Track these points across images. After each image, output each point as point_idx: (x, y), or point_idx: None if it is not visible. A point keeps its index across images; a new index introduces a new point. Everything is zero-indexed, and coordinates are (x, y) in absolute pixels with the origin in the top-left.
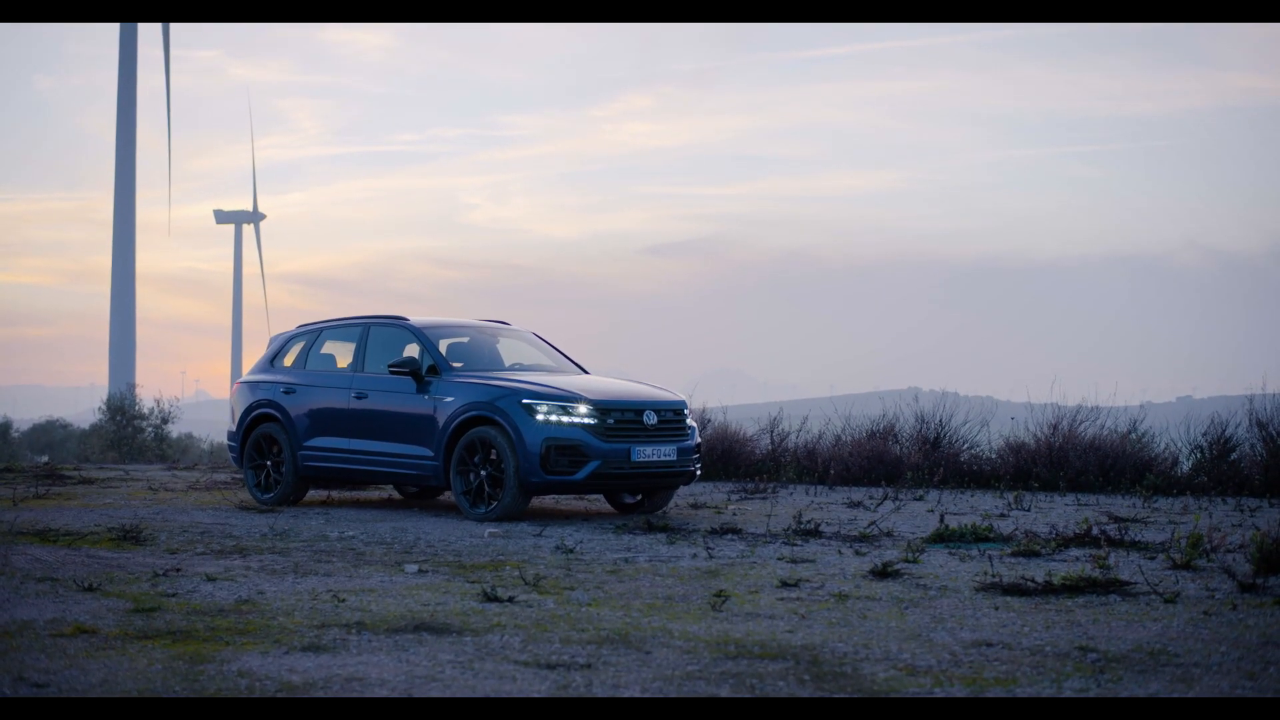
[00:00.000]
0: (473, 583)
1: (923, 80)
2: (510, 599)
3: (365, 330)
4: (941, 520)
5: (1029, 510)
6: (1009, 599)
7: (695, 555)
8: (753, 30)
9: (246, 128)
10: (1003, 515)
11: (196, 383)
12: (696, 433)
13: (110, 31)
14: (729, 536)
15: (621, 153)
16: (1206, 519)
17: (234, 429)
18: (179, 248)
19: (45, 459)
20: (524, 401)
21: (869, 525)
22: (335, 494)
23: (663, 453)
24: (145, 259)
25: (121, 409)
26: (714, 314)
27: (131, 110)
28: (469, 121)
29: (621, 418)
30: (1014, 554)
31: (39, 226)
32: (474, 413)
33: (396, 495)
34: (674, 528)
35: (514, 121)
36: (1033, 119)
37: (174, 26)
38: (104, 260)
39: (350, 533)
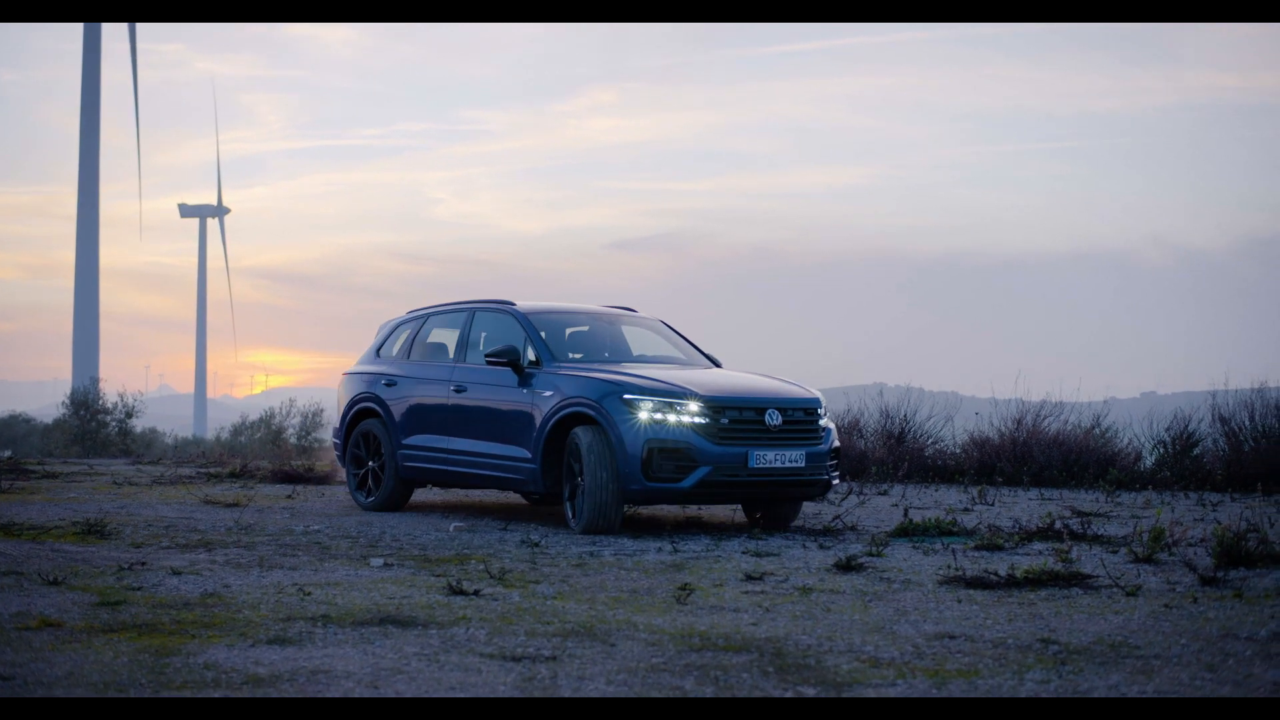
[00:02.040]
0: (438, 576)
1: (889, 76)
2: (476, 592)
3: (470, 317)
4: (906, 514)
5: (992, 505)
6: (972, 592)
7: (660, 549)
8: (718, 26)
9: (211, 122)
10: (966, 510)
11: (160, 377)
12: (834, 435)
13: (74, 27)
14: (693, 531)
15: (587, 148)
16: (1169, 513)
17: (337, 424)
18: (143, 242)
19: (8, 453)
20: (625, 397)
21: (833, 519)
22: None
23: (788, 458)
24: (109, 253)
25: (85, 403)
26: (680, 310)
27: (95, 105)
28: (434, 116)
29: (739, 417)
30: (977, 548)
31: (0, 220)
32: (572, 409)
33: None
34: (639, 523)
35: (479, 116)
36: (998, 115)
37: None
38: (67, 254)
39: (315, 527)
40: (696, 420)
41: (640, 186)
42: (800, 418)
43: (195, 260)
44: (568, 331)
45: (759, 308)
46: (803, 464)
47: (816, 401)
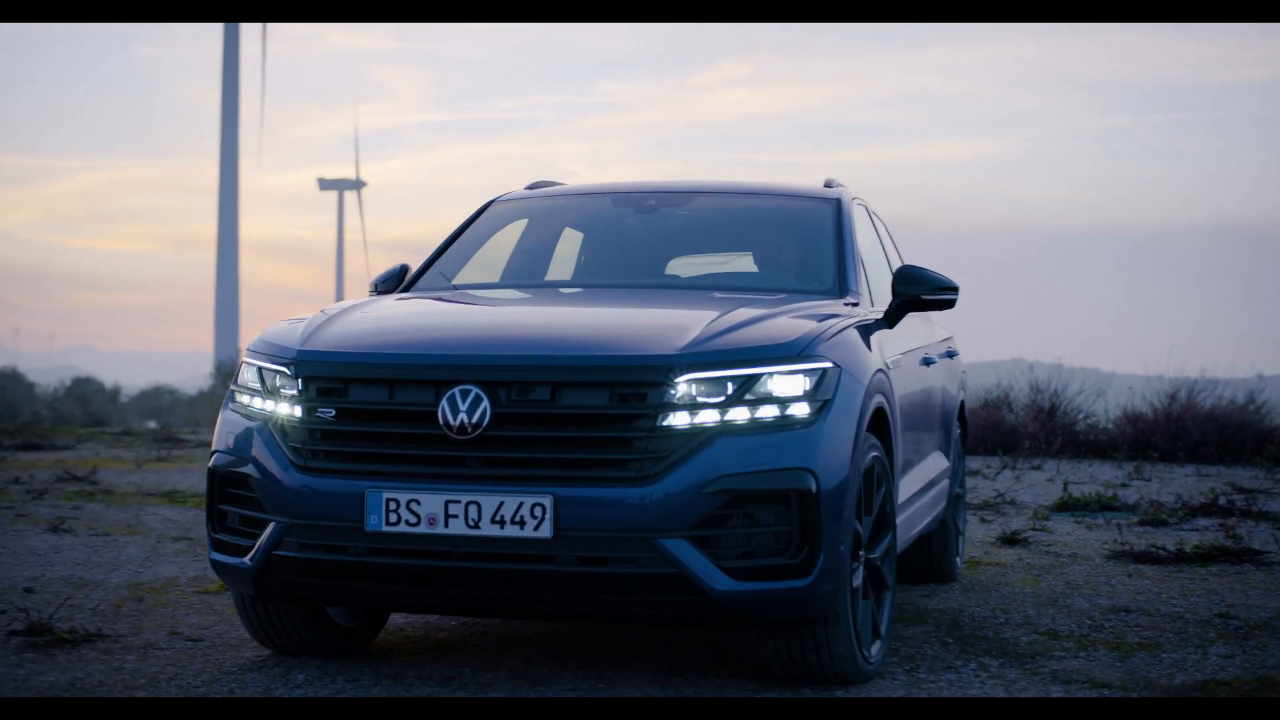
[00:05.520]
0: None
1: (1020, 46)
2: None
3: None
4: (1065, 489)
5: (1149, 480)
6: (1141, 567)
7: None
8: None
9: (345, 95)
10: (1124, 485)
11: None
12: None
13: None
14: None
15: (720, 120)
16: None
17: None
18: (281, 215)
19: (153, 424)
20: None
21: (994, 495)
22: None
23: (496, 513)
24: (246, 225)
25: (233, 374)
26: None
27: (235, 81)
28: (567, 88)
29: (371, 405)
30: (1141, 523)
31: (139, 194)
32: None
33: None
34: None
35: (612, 89)
36: (1137, 85)
37: None
38: (204, 227)
39: None
40: (290, 412)
41: (773, 159)
42: (575, 404)
43: (333, 234)
44: (603, 229)
45: None
46: (546, 532)
47: (659, 361)
